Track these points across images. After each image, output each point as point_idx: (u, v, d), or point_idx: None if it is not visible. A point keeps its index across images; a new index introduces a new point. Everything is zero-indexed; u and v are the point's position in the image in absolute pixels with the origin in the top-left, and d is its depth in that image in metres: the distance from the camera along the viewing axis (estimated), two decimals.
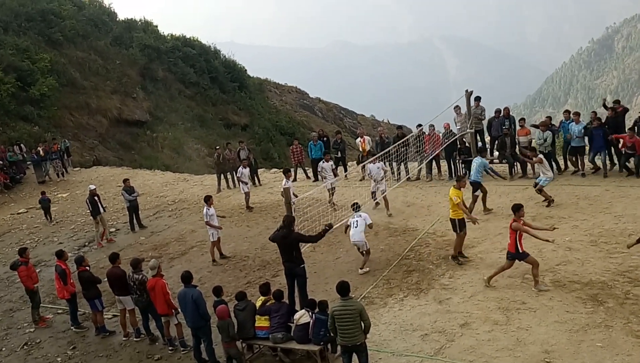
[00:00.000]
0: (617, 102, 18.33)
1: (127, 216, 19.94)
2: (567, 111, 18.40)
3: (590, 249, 12.31)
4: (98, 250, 18.18)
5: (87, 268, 13.02)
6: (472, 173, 15.55)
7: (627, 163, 16.81)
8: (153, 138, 39.46)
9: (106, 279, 12.59)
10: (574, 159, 17.77)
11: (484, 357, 9.24)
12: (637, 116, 17.83)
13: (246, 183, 19.65)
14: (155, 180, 26.57)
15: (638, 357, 8.55)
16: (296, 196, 14.29)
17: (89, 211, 19.07)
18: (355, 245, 13.60)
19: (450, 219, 12.87)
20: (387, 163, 19.31)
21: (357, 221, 13.46)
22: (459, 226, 12.70)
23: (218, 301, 10.91)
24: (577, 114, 17.84)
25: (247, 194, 19.58)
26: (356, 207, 13.93)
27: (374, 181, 16.72)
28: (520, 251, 11.07)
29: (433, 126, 19.60)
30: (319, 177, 19.79)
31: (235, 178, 22.31)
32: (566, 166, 18.11)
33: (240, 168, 19.88)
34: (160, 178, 27.23)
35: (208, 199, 15.73)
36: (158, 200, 22.87)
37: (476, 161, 15.52)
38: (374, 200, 16.62)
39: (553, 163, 17.67)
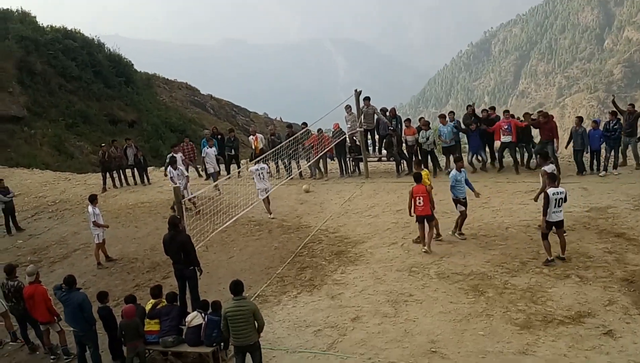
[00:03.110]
0: (492, 108, 19.44)
1: (2, 219, 18.61)
2: (442, 116, 19.23)
3: (471, 242, 13.04)
4: None
5: None
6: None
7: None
8: (31, 135, 36.97)
9: None
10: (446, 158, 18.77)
11: (374, 349, 9.52)
12: None
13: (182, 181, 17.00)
14: (33, 179, 24.96)
15: (517, 343, 9.14)
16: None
17: None
18: (266, 190, 16.02)
19: None
20: (278, 161, 19.50)
21: (262, 173, 15.94)
22: None
23: (102, 308, 10.48)
24: (443, 116, 18.77)
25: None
26: (259, 159, 16.41)
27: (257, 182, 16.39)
28: None
29: (321, 129, 19.94)
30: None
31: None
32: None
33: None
34: (39, 177, 25.62)
35: (93, 199, 15.04)
36: (37, 201, 21.50)
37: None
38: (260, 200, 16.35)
39: (435, 160, 18.60)
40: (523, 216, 13.74)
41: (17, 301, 11.18)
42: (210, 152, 19.77)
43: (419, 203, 12.53)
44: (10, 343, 11.83)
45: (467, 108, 19.45)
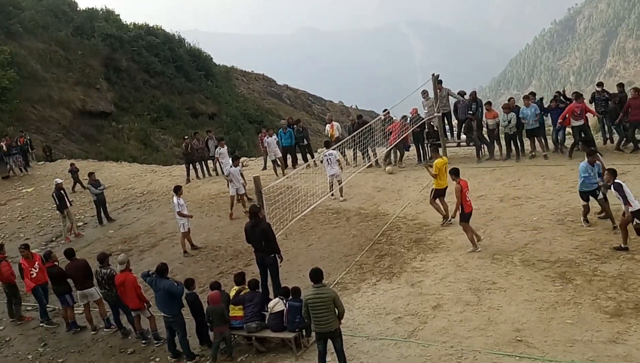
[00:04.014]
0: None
1: (94, 210, 19.63)
2: (526, 97, 18.58)
3: (558, 228, 12.54)
4: (66, 244, 17.85)
5: (56, 263, 12.82)
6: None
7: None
8: (119, 129, 38.84)
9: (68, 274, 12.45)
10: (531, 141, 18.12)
11: (456, 337, 9.37)
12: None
13: (239, 181, 17.30)
14: (122, 172, 26.18)
15: (607, 332, 8.76)
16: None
17: (55, 205, 18.74)
18: (334, 176, 16.52)
19: None
20: (356, 149, 19.42)
21: (329, 158, 16.40)
22: None
23: (189, 294, 10.86)
24: (527, 97, 18.06)
25: (242, 195, 17.42)
26: (327, 144, 16.98)
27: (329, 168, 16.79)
28: None
29: (406, 116, 19.66)
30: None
31: (206, 170, 22.23)
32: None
33: (229, 167, 17.85)
34: (127, 169, 26.84)
35: (178, 190, 15.60)
36: (126, 192, 22.55)
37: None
38: (330, 192, 16.70)
39: (518, 144, 17.96)
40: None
41: (110, 288, 11.76)
42: (271, 141, 20.38)
43: (469, 198, 12.15)
44: (104, 329, 12.49)
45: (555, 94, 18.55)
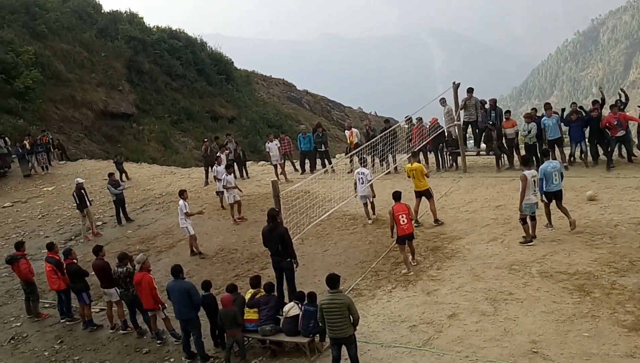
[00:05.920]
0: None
1: (113, 210, 19.83)
2: (549, 108, 18.40)
3: (577, 240, 12.40)
4: (85, 243, 18.07)
5: (75, 261, 12.97)
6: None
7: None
8: (139, 131, 39.21)
9: (93, 272, 12.65)
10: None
11: (471, 347, 9.30)
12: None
13: (234, 188, 17.76)
14: (141, 173, 26.42)
15: (624, 346, 8.63)
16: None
17: (75, 204, 18.95)
18: (364, 197, 15.59)
19: None
20: (375, 155, 19.36)
21: (361, 178, 15.38)
22: None
23: (206, 296, 10.91)
24: (550, 108, 17.89)
25: (238, 202, 17.83)
26: (363, 161, 15.92)
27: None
28: None
29: (421, 119, 19.64)
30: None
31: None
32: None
33: (224, 175, 17.85)
34: (147, 171, 27.08)
35: (182, 193, 15.74)
36: (145, 193, 22.73)
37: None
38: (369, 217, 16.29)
39: (538, 155, 17.78)
40: (634, 214, 12.91)
41: (126, 287, 11.87)
42: (272, 146, 20.93)
43: (403, 221, 12.31)
44: (121, 331, 12.59)
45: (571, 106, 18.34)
